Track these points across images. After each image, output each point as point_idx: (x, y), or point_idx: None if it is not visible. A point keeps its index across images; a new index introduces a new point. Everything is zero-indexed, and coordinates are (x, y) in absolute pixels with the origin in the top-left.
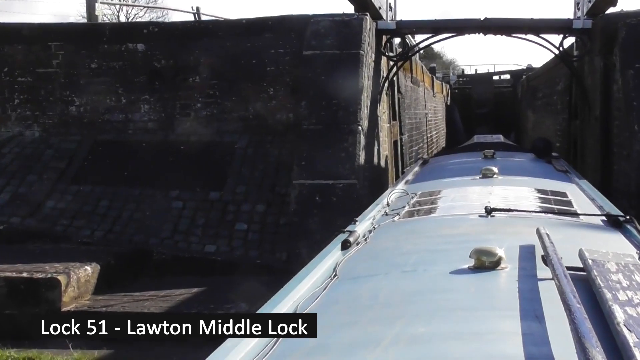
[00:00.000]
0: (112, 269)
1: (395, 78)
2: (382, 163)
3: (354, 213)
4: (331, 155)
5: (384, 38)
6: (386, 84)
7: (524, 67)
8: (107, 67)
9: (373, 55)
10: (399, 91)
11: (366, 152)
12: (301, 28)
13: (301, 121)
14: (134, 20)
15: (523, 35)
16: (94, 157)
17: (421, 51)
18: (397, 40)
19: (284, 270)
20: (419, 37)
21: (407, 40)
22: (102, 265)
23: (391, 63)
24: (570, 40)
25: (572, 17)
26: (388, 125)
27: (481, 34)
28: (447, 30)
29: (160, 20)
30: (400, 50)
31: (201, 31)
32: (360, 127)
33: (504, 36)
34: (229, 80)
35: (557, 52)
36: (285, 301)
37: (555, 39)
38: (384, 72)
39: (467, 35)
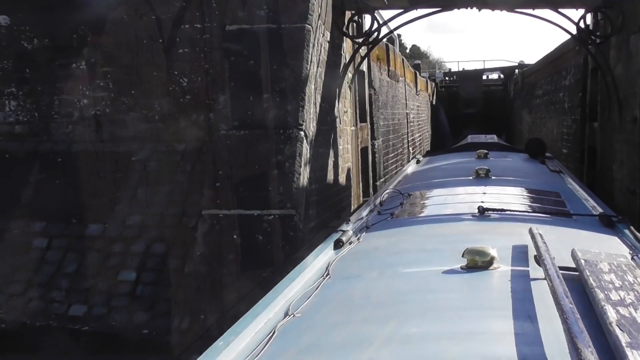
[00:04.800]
0: None
1: (366, 69)
2: (342, 180)
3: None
4: (259, 173)
5: (348, 15)
6: (349, 75)
7: (516, 64)
8: None
9: (328, 35)
10: (371, 86)
11: (314, 168)
12: None
13: (219, 124)
14: None
15: (529, 11)
16: None
17: (397, 32)
18: (368, 22)
19: (182, 345)
20: (395, 17)
21: (378, 17)
22: None
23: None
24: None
25: None
26: (353, 128)
27: (475, 8)
28: (430, 2)
29: None
30: (368, 29)
31: None
32: (302, 133)
33: (504, 11)
34: (127, 67)
35: (574, 31)
36: (277, 300)
37: (571, 16)
38: (346, 60)
39: (456, 12)
